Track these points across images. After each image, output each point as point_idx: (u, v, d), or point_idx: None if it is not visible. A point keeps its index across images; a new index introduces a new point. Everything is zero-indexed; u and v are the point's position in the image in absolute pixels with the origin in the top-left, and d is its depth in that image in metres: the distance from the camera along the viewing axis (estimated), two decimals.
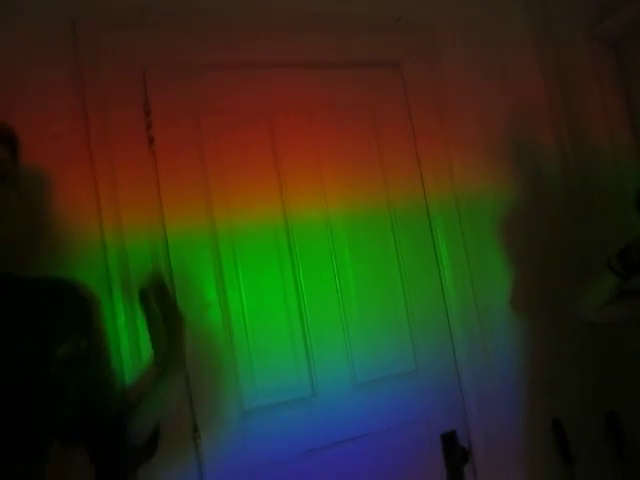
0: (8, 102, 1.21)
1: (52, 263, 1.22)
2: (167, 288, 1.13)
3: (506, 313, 1.67)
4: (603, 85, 1.66)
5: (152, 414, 1.04)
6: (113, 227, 1.29)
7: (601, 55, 1.68)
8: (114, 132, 1.31)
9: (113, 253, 1.28)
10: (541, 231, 1.74)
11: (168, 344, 1.07)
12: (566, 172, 1.78)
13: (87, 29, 1.32)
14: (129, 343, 1.27)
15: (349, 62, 1.60)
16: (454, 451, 1.54)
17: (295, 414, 1.42)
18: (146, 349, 1.17)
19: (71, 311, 0.95)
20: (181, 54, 1.42)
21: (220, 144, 1.43)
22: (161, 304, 1.09)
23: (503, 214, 1.71)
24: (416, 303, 1.57)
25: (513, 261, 1.70)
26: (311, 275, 1.48)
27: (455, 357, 1.59)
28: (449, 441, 1.55)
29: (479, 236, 1.66)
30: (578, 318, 1.50)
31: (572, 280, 1.67)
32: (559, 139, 1.79)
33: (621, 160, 1.62)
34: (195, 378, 1.33)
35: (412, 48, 1.67)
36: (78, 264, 1.25)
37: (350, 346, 1.49)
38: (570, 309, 1.49)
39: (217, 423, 1.34)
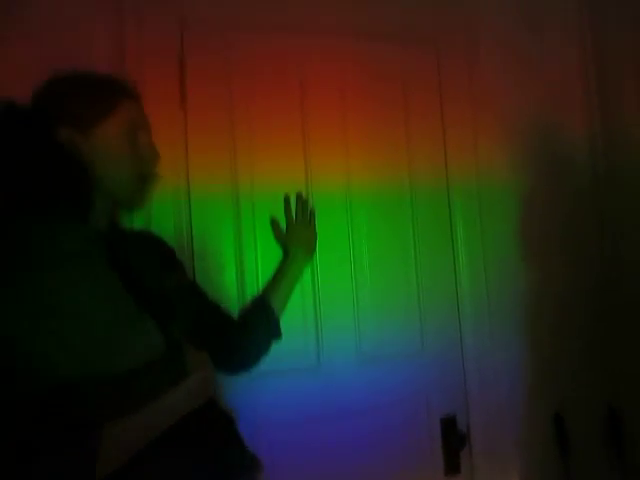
0: (53, 49, 1.23)
1: None
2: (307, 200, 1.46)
3: (517, 302, 1.67)
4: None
5: (289, 292, 1.36)
6: None
7: None
8: (148, 84, 1.29)
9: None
10: (562, 224, 1.73)
11: (300, 238, 1.40)
12: (594, 165, 1.75)
13: None
14: None
15: (384, 34, 1.58)
16: (452, 435, 1.56)
17: (299, 382, 1.45)
18: None
19: (170, 256, 1.17)
20: (220, 14, 1.42)
21: (250, 108, 1.43)
22: (300, 210, 1.43)
23: (524, 203, 1.69)
24: (428, 283, 1.58)
25: (530, 253, 1.69)
26: (327, 244, 1.49)
27: (461, 341, 1.60)
28: (448, 425, 1.56)
29: (497, 222, 1.66)
30: None
31: (591, 275, 1.67)
32: (590, 131, 1.76)
33: None
34: None
35: (448, 26, 1.65)
36: None
37: (359, 319, 1.51)
38: None
39: (222, 385, 1.36)
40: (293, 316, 1.43)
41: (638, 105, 1.62)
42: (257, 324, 1.29)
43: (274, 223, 1.43)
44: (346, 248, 1.51)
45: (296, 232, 1.41)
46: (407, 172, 1.58)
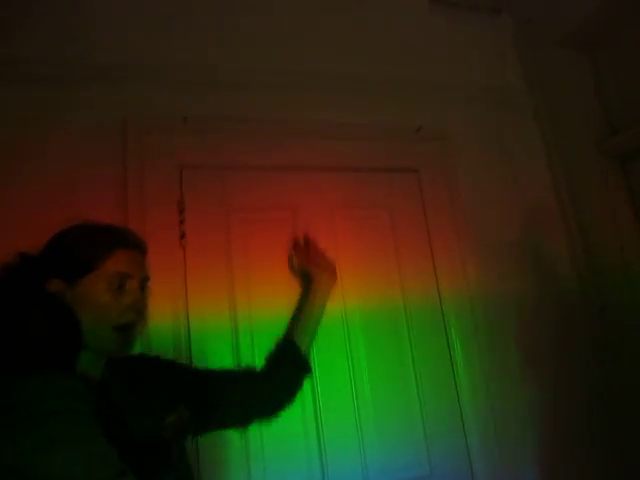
0: (60, 197, 1.33)
1: None
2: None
3: (522, 418, 1.65)
4: (612, 197, 1.75)
5: (318, 319, 1.40)
6: None
7: (610, 169, 1.78)
8: (149, 225, 1.39)
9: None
10: (555, 333, 1.76)
11: (320, 263, 1.46)
12: (579, 278, 1.83)
13: (136, 128, 1.46)
14: None
15: (370, 167, 1.71)
16: None
17: None
18: None
19: (174, 384, 1.13)
20: (216, 156, 1.54)
21: (247, 239, 1.51)
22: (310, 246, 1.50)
23: (515, 309, 1.73)
24: (431, 405, 1.56)
25: (528, 363, 1.70)
26: (326, 371, 1.49)
27: (470, 463, 1.55)
28: None
29: (493, 336, 1.68)
30: None
31: (586, 385, 1.67)
32: (571, 246, 1.86)
33: (632, 270, 1.67)
34: (206, 472, 1.32)
35: (429, 155, 1.79)
36: None
37: (364, 447, 1.47)
38: None
39: None
40: (296, 448, 1.40)
41: (610, 215, 1.74)
42: (282, 365, 1.32)
43: (290, 257, 1.51)
44: (346, 375, 1.51)
45: (314, 259, 1.47)
46: (400, 292, 1.63)
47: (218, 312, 1.43)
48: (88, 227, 1.03)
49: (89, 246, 0.98)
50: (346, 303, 1.56)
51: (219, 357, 1.41)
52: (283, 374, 1.32)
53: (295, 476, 1.40)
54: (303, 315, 1.39)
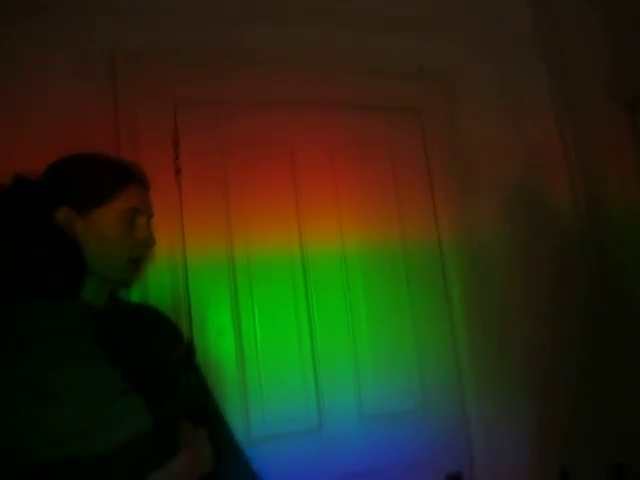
0: (49, 134, 1.30)
1: None
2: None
3: (517, 356, 1.67)
4: (616, 141, 1.70)
5: None
6: None
7: (615, 112, 1.72)
8: (143, 161, 1.35)
9: None
10: (553, 277, 1.76)
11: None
12: (579, 221, 1.81)
13: (125, 61, 1.41)
14: None
15: (370, 105, 1.67)
16: None
17: (301, 445, 1.44)
18: None
19: (172, 332, 1.14)
20: (211, 90, 1.51)
21: (243, 177, 1.50)
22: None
23: (515, 254, 1.73)
24: (426, 341, 1.60)
25: (525, 300, 1.71)
26: (324, 308, 1.52)
27: (463, 397, 1.60)
28: None
29: (491, 278, 1.68)
30: None
31: (583, 326, 1.69)
32: (572, 189, 1.82)
33: (633, 214, 1.65)
34: None
35: (431, 94, 1.75)
36: None
37: (359, 380, 1.51)
38: None
39: None
40: (293, 378, 1.45)
41: (614, 163, 1.70)
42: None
43: None
44: (344, 313, 1.53)
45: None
46: (399, 232, 1.63)
47: (215, 250, 1.44)
48: (96, 158, 1.02)
49: (103, 178, 0.99)
50: (344, 242, 1.57)
51: (216, 294, 1.43)
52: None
53: (291, 407, 1.44)
54: None
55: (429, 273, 1.64)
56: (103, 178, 0.99)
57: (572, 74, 1.83)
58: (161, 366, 0.98)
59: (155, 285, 1.35)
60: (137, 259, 1.03)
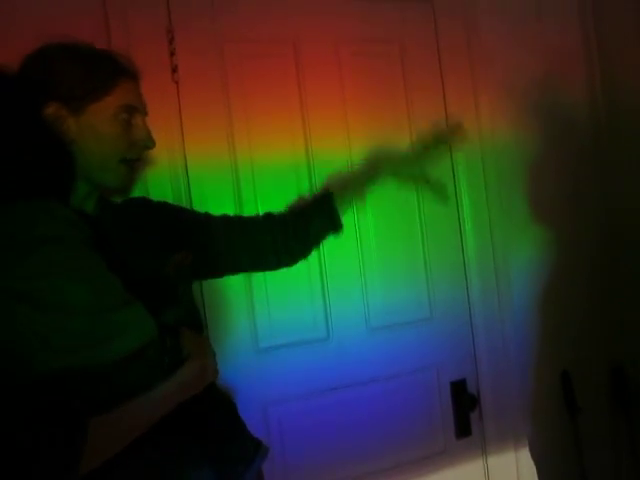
0: (38, 28, 1.14)
1: None
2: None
3: (523, 266, 1.66)
4: None
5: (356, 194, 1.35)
6: None
7: None
8: (137, 59, 1.24)
9: None
10: (566, 182, 1.71)
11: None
12: (597, 128, 1.74)
13: None
14: None
15: None
16: (462, 398, 1.57)
17: (308, 354, 1.43)
18: None
19: (177, 228, 1.11)
20: None
21: (244, 74, 1.38)
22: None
23: (528, 163, 1.67)
24: (434, 250, 1.56)
25: (536, 217, 1.67)
26: None
27: (469, 307, 1.59)
28: (458, 388, 1.57)
29: (502, 185, 1.63)
30: None
31: (596, 232, 1.67)
32: (592, 95, 1.74)
33: None
34: (211, 314, 1.34)
35: None
36: None
37: (366, 289, 1.49)
38: None
39: (232, 359, 1.34)
40: (301, 289, 1.42)
41: (637, 65, 1.60)
42: (311, 217, 1.27)
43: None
44: (351, 218, 1.47)
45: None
46: (408, 135, 1.54)
47: (217, 153, 1.36)
48: (86, 48, 0.91)
49: (96, 71, 0.89)
50: (351, 145, 1.48)
51: (219, 197, 1.36)
52: (310, 228, 1.25)
53: (299, 318, 1.43)
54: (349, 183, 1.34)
55: (439, 177, 1.57)
56: (96, 71, 0.89)
57: None
58: (160, 274, 0.95)
59: (156, 191, 1.28)
60: (133, 160, 0.95)
